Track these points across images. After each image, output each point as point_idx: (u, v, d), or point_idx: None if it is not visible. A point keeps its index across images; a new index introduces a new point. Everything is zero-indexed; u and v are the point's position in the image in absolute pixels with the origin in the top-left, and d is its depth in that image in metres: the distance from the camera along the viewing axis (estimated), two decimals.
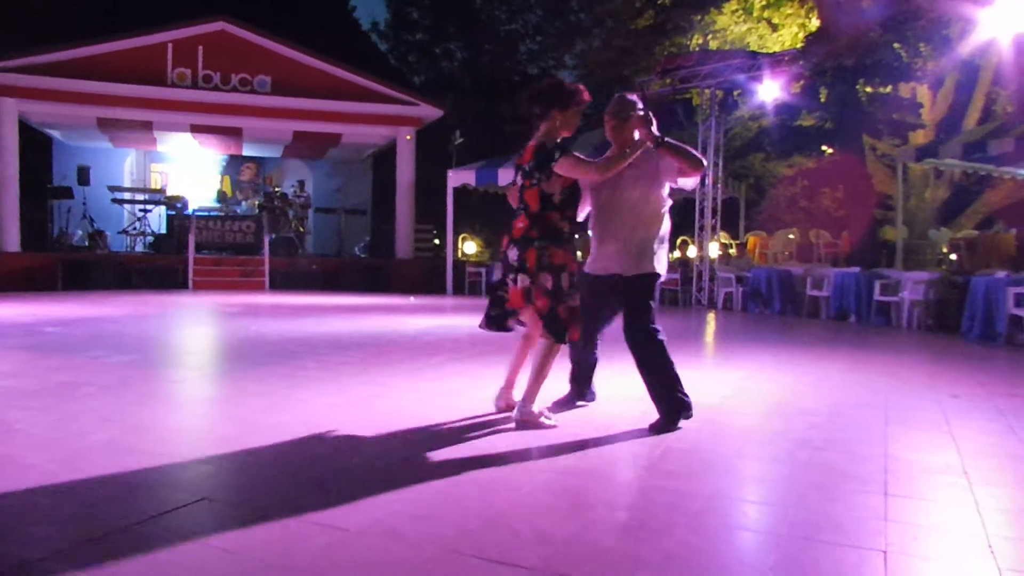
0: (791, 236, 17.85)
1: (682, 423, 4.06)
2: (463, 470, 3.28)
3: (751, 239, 17.93)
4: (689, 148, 3.99)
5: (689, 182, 4.11)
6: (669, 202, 4.18)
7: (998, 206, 17.91)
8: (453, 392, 5.04)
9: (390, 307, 12.71)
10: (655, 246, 4.06)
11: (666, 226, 4.16)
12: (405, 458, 3.42)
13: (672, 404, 4.03)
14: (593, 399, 4.58)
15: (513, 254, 3.98)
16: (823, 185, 21.98)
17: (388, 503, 2.82)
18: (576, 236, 4.07)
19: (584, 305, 4.02)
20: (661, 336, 4.04)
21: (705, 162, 4.12)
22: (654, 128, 3.91)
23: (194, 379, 5.69)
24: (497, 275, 4.17)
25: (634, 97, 4.18)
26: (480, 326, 4.28)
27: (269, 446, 3.55)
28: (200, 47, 17.39)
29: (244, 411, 4.40)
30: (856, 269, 11.74)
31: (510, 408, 4.17)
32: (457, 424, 4.09)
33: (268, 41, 17.92)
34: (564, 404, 4.46)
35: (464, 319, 11.35)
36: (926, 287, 10.24)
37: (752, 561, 2.41)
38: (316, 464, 3.29)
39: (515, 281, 3.97)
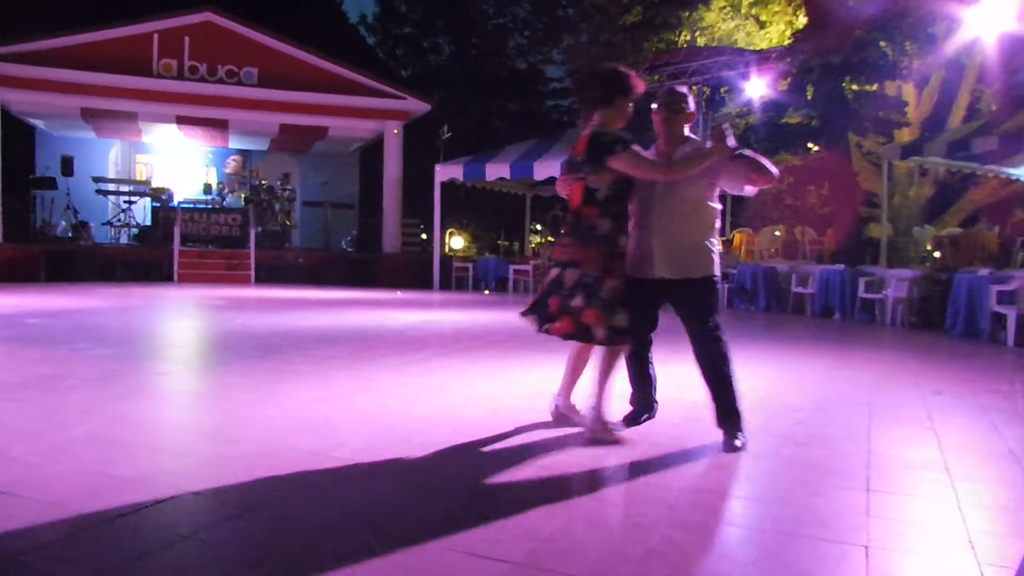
0: (777, 233, 17.93)
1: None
2: (448, 465, 3.28)
3: (737, 236, 17.99)
4: (763, 160, 3.73)
5: (751, 189, 3.90)
6: (719, 205, 3.95)
7: (982, 204, 18.03)
8: (439, 387, 5.04)
9: (376, 301, 12.68)
10: (712, 247, 3.83)
11: (717, 225, 3.92)
12: (391, 453, 3.42)
13: (737, 417, 3.74)
14: (653, 413, 4.13)
15: (556, 251, 3.80)
16: (809, 182, 22.08)
17: (372, 497, 2.82)
18: (619, 236, 3.72)
19: (631, 311, 3.73)
20: (725, 337, 3.83)
21: (777, 173, 3.79)
22: (730, 140, 3.66)
23: (179, 372, 5.66)
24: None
25: (684, 89, 3.96)
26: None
27: (255, 440, 3.54)
28: (186, 38, 17.25)
29: (230, 404, 4.38)
30: (841, 266, 11.81)
31: (561, 414, 3.95)
32: (443, 419, 4.09)
33: (255, 33, 17.80)
34: (629, 421, 4.04)
35: (451, 314, 11.34)
36: (910, 284, 10.32)
37: (735, 556, 2.42)
38: (301, 458, 3.28)
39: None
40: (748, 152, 3.73)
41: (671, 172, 3.65)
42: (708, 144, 3.74)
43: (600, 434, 3.67)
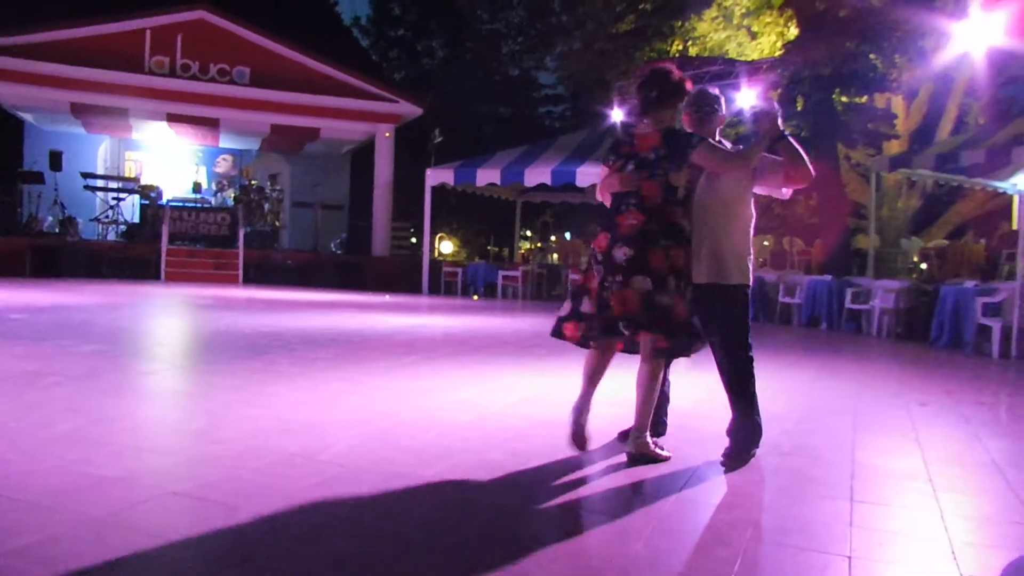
0: (765, 243, 18.02)
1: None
2: (431, 469, 3.27)
3: None
4: (804, 154, 3.57)
5: (787, 191, 3.76)
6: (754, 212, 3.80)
7: (969, 216, 18.17)
8: (425, 391, 5.03)
9: (365, 304, 12.65)
10: (744, 254, 3.66)
11: (751, 232, 3.77)
12: (377, 455, 3.40)
13: (750, 432, 3.68)
14: (664, 431, 3.96)
15: (622, 253, 3.41)
16: (797, 193, 22.19)
17: (354, 500, 2.80)
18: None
19: None
20: (752, 353, 3.69)
21: (814, 174, 3.61)
22: (780, 122, 3.56)
23: (164, 371, 5.62)
24: (593, 279, 3.56)
25: (716, 91, 3.86)
26: (556, 334, 3.68)
27: (240, 440, 3.51)
28: (179, 35, 17.22)
29: (214, 404, 4.35)
30: (828, 277, 11.87)
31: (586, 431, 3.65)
32: (431, 423, 4.08)
33: (248, 32, 17.77)
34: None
35: (439, 319, 11.32)
36: (896, 295, 10.38)
37: (717, 565, 2.42)
38: (286, 459, 3.26)
39: (624, 284, 3.39)
40: (792, 139, 3.61)
41: (744, 161, 3.53)
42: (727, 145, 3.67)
43: (652, 453, 3.52)
